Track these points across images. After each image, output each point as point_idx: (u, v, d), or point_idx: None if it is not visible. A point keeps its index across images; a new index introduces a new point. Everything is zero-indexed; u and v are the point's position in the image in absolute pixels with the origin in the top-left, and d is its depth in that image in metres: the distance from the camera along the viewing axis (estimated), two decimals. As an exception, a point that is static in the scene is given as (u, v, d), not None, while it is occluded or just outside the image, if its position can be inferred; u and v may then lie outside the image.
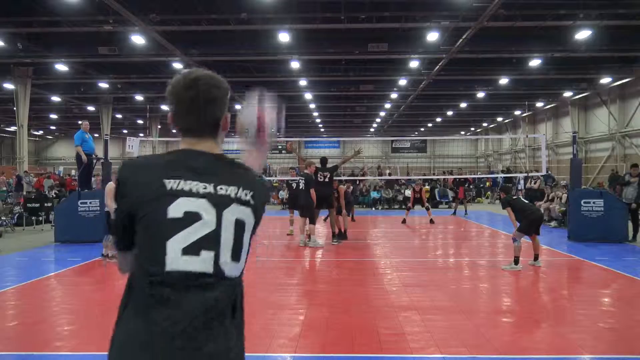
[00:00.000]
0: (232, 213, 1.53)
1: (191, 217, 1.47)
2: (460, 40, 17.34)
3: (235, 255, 1.53)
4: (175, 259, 1.44)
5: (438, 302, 6.44)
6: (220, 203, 1.52)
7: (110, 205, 9.06)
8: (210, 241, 1.48)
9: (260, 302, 6.39)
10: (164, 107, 34.17)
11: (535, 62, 21.26)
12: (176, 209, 1.47)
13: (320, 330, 5.30)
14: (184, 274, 1.44)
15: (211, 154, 1.64)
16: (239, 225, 1.54)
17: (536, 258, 8.68)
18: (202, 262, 1.46)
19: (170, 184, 1.49)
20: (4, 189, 22.01)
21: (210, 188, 1.53)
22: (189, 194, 1.49)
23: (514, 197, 8.94)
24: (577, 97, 30.64)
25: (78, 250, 10.45)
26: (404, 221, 16.04)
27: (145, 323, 1.47)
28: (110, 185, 9.33)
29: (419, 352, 4.62)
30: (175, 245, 1.44)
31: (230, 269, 1.51)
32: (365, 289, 7.18)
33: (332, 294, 6.81)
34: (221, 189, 1.54)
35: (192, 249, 1.45)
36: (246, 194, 1.58)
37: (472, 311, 5.99)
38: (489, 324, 5.54)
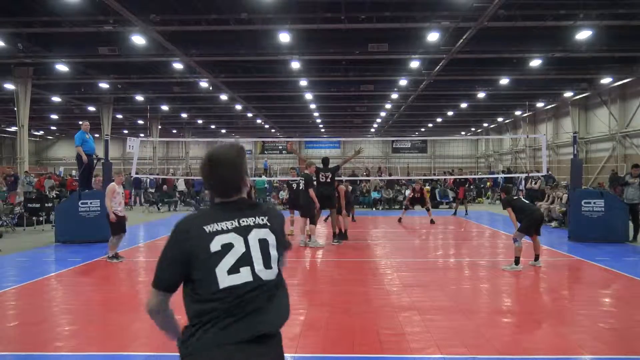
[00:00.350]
0: (255, 235, 2.06)
1: (227, 247, 2.00)
2: (461, 40, 17.34)
3: (267, 265, 2.06)
4: (223, 279, 1.96)
5: (438, 302, 6.44)
6: (244, 231, 2.05)
7: (109, 205, 9.07)
8: (245, 260, 2.01)
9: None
10: (164, 107, 34.20)
11: (535, 62, 21.26)
12: (215, 245, 1.99)
13: (321, 330, 5.30)
14: (231, 287, 1.96)
15: (234, 201, 2.13)
16: (263, 242, 2.07)
17: (536, 258, 8.68)
18: (243, 276, 1.99)
19: (208, 228, 2.01)
20: (4, 189, 22.01)
21: (235, 223, 2.05)
22: (221, 232, 2.01)
23: (515, 198, 8.94)
24: (577, 97, 30.64)
25: (78, 251, 10.46)
26: (399, 220, 16.03)
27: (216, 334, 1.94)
28: (111, 186, 9.31)
29: (419, 352, 4.62)
30: (220, 271, 1.97)
31: (265, 275, 2.05)
32: (365, 289, 7.18)
33: (332, 294, 6.81)
34: (243, 221, 2.07)
35: (233, 269, 1.98)
36: (262, 219, 2.12)
37: (472, 311, 5.99)
38: (490, 324, 5.54)
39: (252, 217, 2.11)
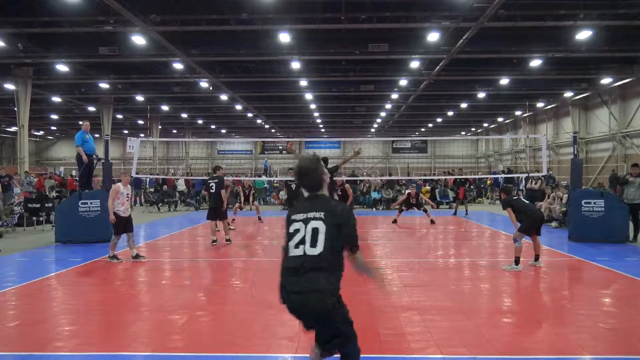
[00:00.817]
0: (311, 225, 3.18)
1: (296, 231, 3.22)
2: (461, 40, 17.34)
3: (313, 244, 3.15)
4: (291, 250, 3.21)
5: (438, 302, 6.44)
6: (306, 222, 3.20)
7: (110, 205, 9.09)
8: (302, 241, 3.18)
9: (260, 302, 6.40)
10: (165, 108, 34.21)
11: (535, 63, 21.25)
12: (291, 228, 3.25)
13: (321, 330, 5.30)
14: (294, 256, 3.19)
15: (314, 196, 3.32)
16: (314, 231, 3.16)
17: (537, 258, 8.67)
18: (299, 250, 3.17)
19: (292, 216, 3.29)
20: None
21: (304, 216, 3.23)
22: (295, 221, 3.24)
23: (515, 198, 8.93)
24: (577, 97, 30.63)
25: (79, 251, 10.46)
26: (394, 221, 15.89)
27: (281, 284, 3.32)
28: (115, 187, 9.38)
29: (419, 352, 4.62)
30: (291, 245, 3.22)
31: (310, 251, 3.15)
32: (365, 289, 7.17)
33: None
34: (309, 214, 3.21)
35: (296, 246, 3.19)
36: (320, 214, 3.20)
37: (472, 311, 5.98)
38: (490, 324, 5.54)
39: (314, 212, 3.22)
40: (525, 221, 8.39)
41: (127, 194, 9.44)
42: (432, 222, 15.60)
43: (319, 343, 3.46)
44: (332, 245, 3.14)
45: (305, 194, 3.32)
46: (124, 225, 9.37)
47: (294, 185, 12.45)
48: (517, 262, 8.37)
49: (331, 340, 3.39)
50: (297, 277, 3.16)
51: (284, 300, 3.33)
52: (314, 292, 3.16)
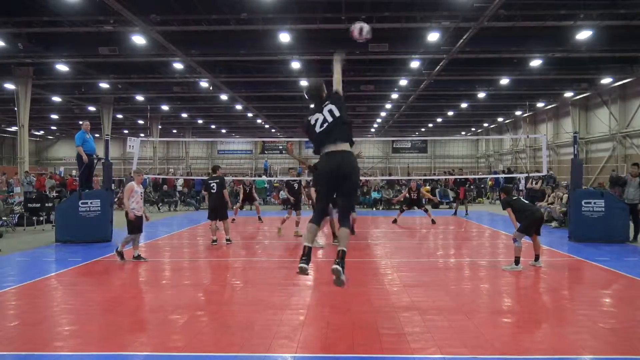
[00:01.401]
0: (328, 109, 4.86)
1: (317, 119, 4.91)
2: (461, 40, 17.34)
3: (332, 116, 4.83)
4: (317, 131, 4.84)
5: (439, 302, 6.44)
6: (323, 109, 4.90)
7: (127, 204, 9.09)
8: (325, 120, 4.84)
9: (260, 302, 6.40)
10: (165, 107, 34.21)
11: (535, 63, 21.26)
12: (312, 120, 4.91)
13: (321, 330, 5.30)
14: (320, 133, 4.82)
15: (321, 101, 4.96)
16: (330, 110, 4.85)
17: (537, 258, 8.67)
18: (325, 125, 4.81)
19: (310, 117, 4.94)
20: (5, 189, 22.03)
21: (320, 109, 4.89)
22: (314, 116, 4.91)
23: (514, 198, 8.93)
24: (577, 97, 30.64)
25: (79, 251, 10.46)
26: (394, 221, 15.89)
27: (322, 156, 4.83)
28: (130, 185, 9.36)
29: (419, 352, 4.62)
30: (316, 128, 4.84)
31: (335, 117, 4.81)
32: (366, 289, 7.18)
33: (332, 294, 6.80)
34: (324, 105, 4.90)
35: (321, 126, 4.83)
36: (329, 102, 4.90)
37: (472, 311, 5.98)
38: (490, 324, 5.53)
39: (326, 104, 4.87)
40: (525, 221, 8.39)
41: (141, 193, 9.44)
42: (433, 222, 15.55)
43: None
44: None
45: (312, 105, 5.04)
46: (140, 225, 9.35)
47: (297, 185, 12.53)
48: (517, 262, 8.37)
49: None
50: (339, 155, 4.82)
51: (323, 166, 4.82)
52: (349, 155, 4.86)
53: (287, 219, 13.03)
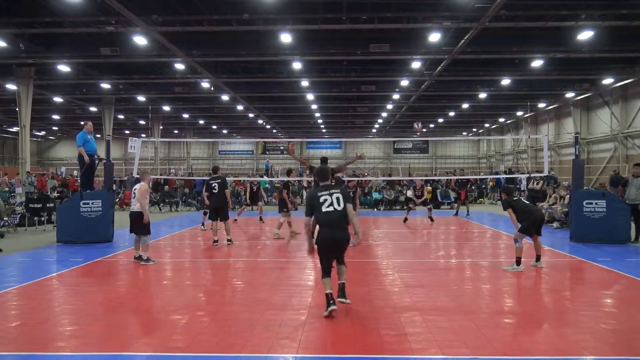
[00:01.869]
0: (336, 196, 5.94)
1: (325, 199, 5.92)
2: (462, 40, 17.33)
3: (338, 205, 5.89)
4: (324, 210, 5.90)
5: (440, 302, 6.43)
6: (332, 194, 5.95)
7: (144, 204, 9.08)
8: (331, 204, 5.89)
9: (261, 302, 6.40)
10: (166, 108, 34.23)
11: (537, 63, 21.23)
12: (321, 198, 5.94)
13: (322, 330, 5.30)
14: (326, 212, 5.88)
15: (330, 185, 6.25)
16: (338, 198, 5.92)
17: (538, 259, 8.67)
18: (331, 207, 5.88)
19: (319, 193, 6.00)
20: (7, 189, 22.05)
21: (328, 191, 6.01)
22: (323, 195, 5.95)
23: (515, 199, 8.92)
24: (579, 97, 30.60)
25: (80, 251, 10.47)
26: (405, 220, 16.05)
27: (323, 228, 5.92)
28: (145, 186, 9.32)
29: (420, 352, 4.62)
30: (323, 207, 5.90)
31: (340, 208, 5.89)
32: (366, 289, 7.18)
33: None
34: (333, 191, 6.00)
35: (327, 207, 5.89)
36: (338, 191, 6.04)
37: (473, 312, 5.98)
38: (491, 324, 5.53)
39: (335, 189, 6.02)
40: (526, 222, 8.38)
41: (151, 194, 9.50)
42: (431, 219, 15.66)
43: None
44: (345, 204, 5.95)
45: (322, 183, 6.19)
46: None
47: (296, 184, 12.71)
48: (518, 262, 8.37)
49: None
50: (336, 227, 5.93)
51: (325, 240, 5.93)
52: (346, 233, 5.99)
53: (286, 222, 12.67)
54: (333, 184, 6.45)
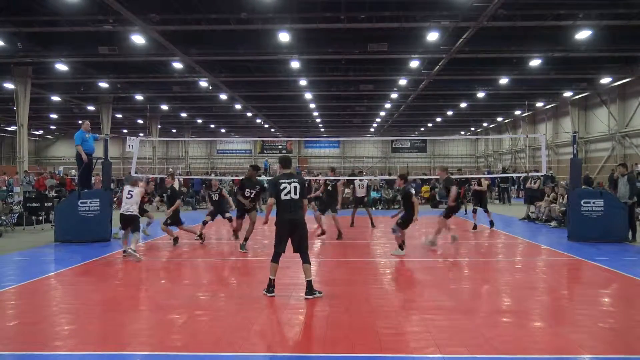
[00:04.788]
0: (294, 184, 6.65)
1: (285, 188, 6.62)
2: (460, 40, 17.33)
3: (296, 194, 6.63)
4: (283, 197, 6.61)
5: (438, 302, 6.44)
6: (292, 183, 6.64)
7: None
8: (290, 191, 6.61)
9: (260, 301, 6.40)
10: (164, 107, 34.18)
11: (535, 62, 21.25)
12: (282, 187, 6.63)
13: (321, 329, 5.31)
14: (285, 200, 6.62)
15: (290, 173, 6.90)
16: (295, 187, 6.64)
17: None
18: (290, 196, 6.61)
19: (281, 181, 6.66)
20: (4, 188, 21.99)
21: (289, 180, 6.68)
22: (284, 183, 6.64)
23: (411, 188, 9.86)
24: (577, 97, 30.65)
25: (78, 250, 10.45)
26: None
27: (281, 214, 6.67)
28: (141, 190, 10.03)
29: (418, 351, 4.63)
30: (282, 194, 6.62)
31: (296, 197, 6.63)
32: (365, 288, 7.18)
33: (332, 294, 6.82)
34: (292, 180, 6.68)
35: (286, 195, 6.61)
36: (296, 180, 6.70)
37: (472, 311, 5.99)
38: (489, 323, 5.54)
39: (294, 179, 6.70)
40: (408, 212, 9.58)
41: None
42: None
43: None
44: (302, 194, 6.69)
45: (281, 171, 6.92)
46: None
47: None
48: (401, 247, 9.71)
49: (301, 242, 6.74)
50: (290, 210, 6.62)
51: (282, 221, 6.63)
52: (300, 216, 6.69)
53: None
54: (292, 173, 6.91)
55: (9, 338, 5.12)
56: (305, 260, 6.68)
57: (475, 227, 14.36)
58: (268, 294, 6.56)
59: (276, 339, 4.97)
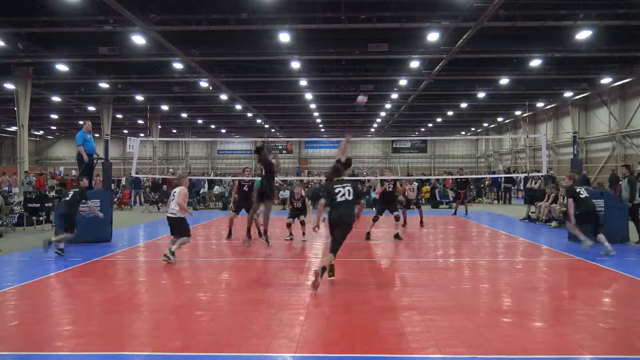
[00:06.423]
0: (348, 188, 7.31)
1: (340, 192, 7.27)
2: (461, 40, 17.34)
3: (349, 195, 7.26)
4: (339, 199, 7.24)
5: (438, 302, 6.44)
6: (345, 186, 7.33)
7: (184, 208, 9.19)
8: (345, 194, 7.25)
9: (260, 301, 6.40)
10: (164, 107, 34.21)
11: (535, 62, 21.26)
12: (337, 191, 7.29)
13: (321, 330, 5.31)
14: (340, 202, 7.24)
15: (343, 178, 7.76)
16: (349, 190, 7.29)
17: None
18: (344, 198, 7.23)
19: (336, 187, 7.36)
20: (5, 188, 22.00)
21: (343, 185, 7.38)
22: (338, 187, 7.31)
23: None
24: (577, 97, 30.65)
25: (78, 250, 10.44)
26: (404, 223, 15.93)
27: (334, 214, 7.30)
28: (184, 190, 9.35)
29: (419, 352, 4.62)
30: (338, 197, 7.26)
31: (350, 198, 7.26)
32: (365, 288, 7.18)
33: (332, 294, 6.81)
34: (345, 184, 7.38)
35: (341, 197, 7.25)
36: (349, 185, 7.42)
37: (472, 311, 5.98)
38: (490, 324, 5.54)
39: (348, 183, 7.43)
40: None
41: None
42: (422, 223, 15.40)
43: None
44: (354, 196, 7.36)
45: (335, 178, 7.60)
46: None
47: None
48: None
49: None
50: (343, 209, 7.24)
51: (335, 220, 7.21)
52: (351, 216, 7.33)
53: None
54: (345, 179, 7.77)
55: (10, 338, 5.12)
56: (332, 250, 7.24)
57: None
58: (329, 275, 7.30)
59: (276, 340, 4.97)
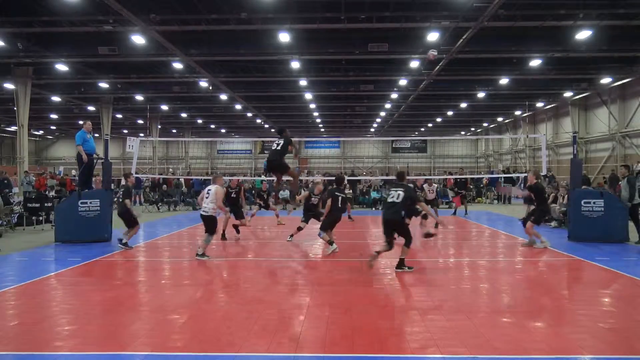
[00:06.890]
0: (399, 192, 8.39)
1: (391, 194, 8.55)
2: (461, 40, 17.34)
3: (398, 198, 8.31)
4: (389, 200, 8.53)
5: (438, 302, 6.44)
6: (398, 190, 8.44)
7: (222, 206, 9.45)
8: (394, 197, 8.40)
9: (260, 301, 6.40)
10: (164, 107, 34.20)
11: (535, 62, 21.26)
12: (390, 193, 8.65)
13: (321, 330, 5.30)
14: (389, 203, 8.50)
15: (400, 183, 8.76)
16: (399, 194, 8.33)
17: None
18: (393, 200, 8.38)
19: (390, 190, 8.73)
20: (6, 189, 21.97)
21: (396, 189, 8.54)
22: (392, 190, 8.61)
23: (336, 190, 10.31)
24: (577, 97, 30.64)
25: (78, 250, 10.45)
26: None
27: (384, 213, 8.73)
28: (220, 189, 9.49)
29: (419, 352, 4.62)
30: (388, 198, 8.58)
31: (398, 201, 8.30)
32: (365, 288, 7.18)
33: (332, 294, 6.81)
34: (398, 188, 8.51)
35: (391, 199, 8.47)
36: (401, 189, 8.46)
37: (472, 311, 5.98)
38: (489, 324, 5.54)
39: (401, 187, 8.48)
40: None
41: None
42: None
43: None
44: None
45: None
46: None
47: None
48: (331, 243, 10.03)
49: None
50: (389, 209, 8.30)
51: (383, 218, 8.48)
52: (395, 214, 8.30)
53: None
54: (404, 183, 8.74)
55: (9, 338, 5.11)
56: (405, 244, 8.52)
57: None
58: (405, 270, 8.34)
59: (276, 339, 4.97)
